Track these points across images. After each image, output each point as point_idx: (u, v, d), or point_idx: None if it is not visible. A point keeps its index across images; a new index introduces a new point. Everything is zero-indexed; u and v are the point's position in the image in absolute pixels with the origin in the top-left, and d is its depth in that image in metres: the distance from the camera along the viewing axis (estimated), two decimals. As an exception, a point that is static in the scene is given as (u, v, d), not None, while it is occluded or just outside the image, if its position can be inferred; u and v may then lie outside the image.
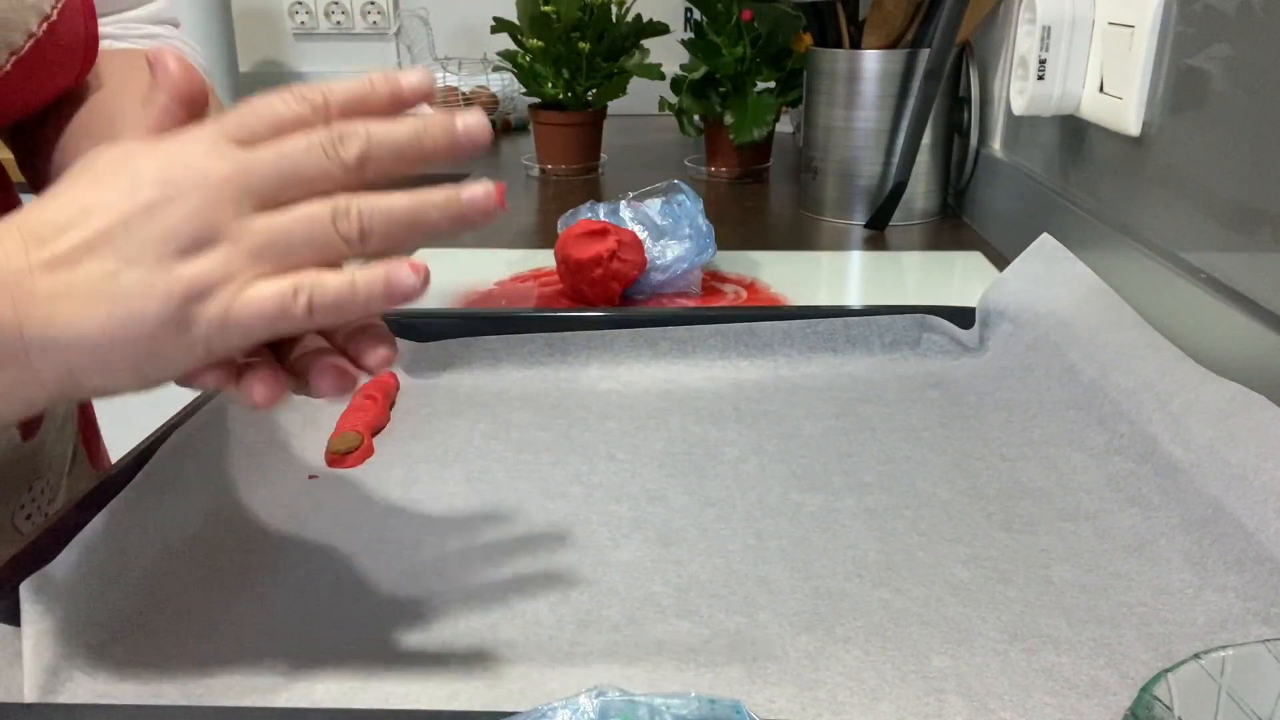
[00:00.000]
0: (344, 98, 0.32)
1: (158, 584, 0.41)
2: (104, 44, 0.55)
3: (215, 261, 0.31)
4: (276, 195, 0.31)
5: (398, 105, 0.33)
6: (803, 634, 0.39)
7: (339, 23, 1.89)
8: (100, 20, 0.55)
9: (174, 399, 0.54)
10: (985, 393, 0.60)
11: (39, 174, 0.53)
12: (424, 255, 0.91)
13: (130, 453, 0.48)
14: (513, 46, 1.27)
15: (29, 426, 0.58)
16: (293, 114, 0.32)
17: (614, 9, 1.22)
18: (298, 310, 0.31)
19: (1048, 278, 0.63)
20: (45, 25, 0.47)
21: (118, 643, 0.38)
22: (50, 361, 0.31)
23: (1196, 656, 0.27)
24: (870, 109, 0.98)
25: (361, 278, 0.32)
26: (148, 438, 0.50)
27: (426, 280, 0.32)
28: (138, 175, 0.31)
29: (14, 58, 0.46)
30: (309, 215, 0.31)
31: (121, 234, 0.30)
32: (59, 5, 0.47)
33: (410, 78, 0.33)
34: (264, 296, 0.31)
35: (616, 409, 0.59)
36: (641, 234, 0.77)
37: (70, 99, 0.52)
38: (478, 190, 0.32)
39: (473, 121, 0.33)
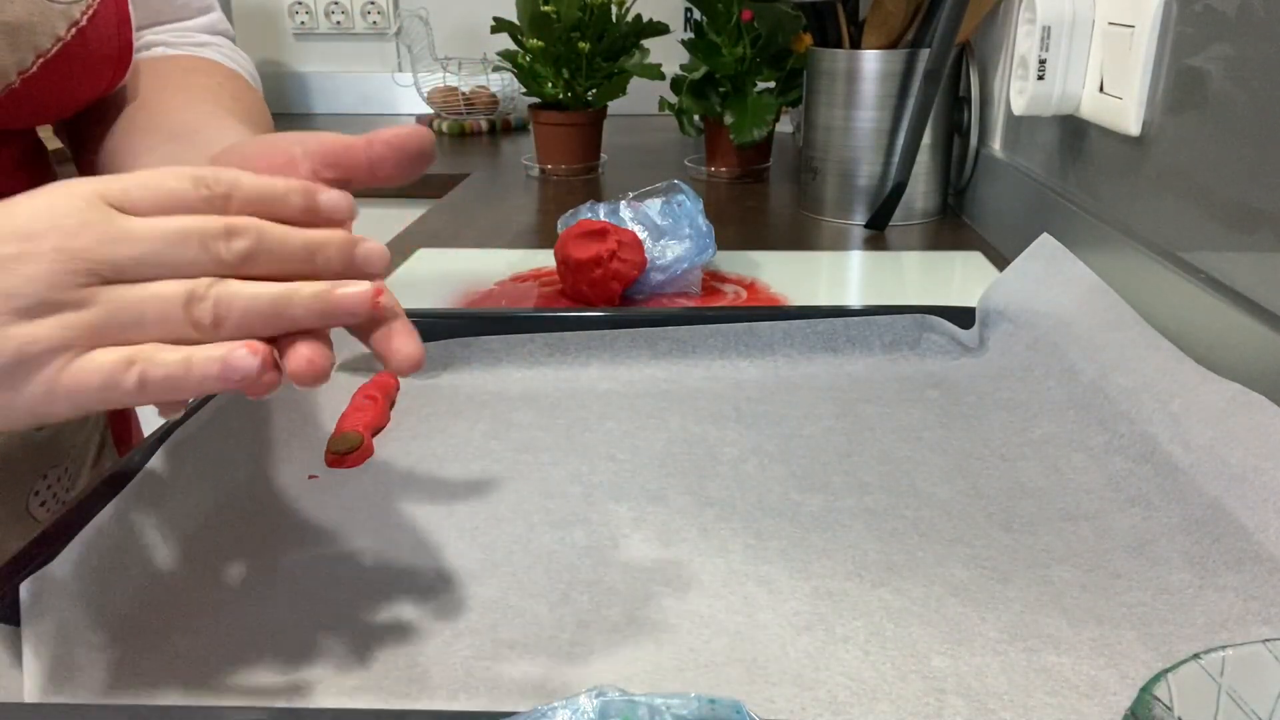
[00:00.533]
0: (251, 195, 0.31)
1: (158, 584, 0.41)
2: (158, 50, 0.59)
3: (52, 328, 0.29)
4: (137, 273, 0.30)
5: (309, 219, 0.32)
6: (803, 634, 0.39)
7: (339, 23, 1.89)
8: (156, 28, 0.60)
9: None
10: (985, 393, 0.60)
11: (88, 167, 0.56)
12: (426, 255, 0.91)
13: (131, 453, 0.48)
14: (513, 46, 1.27)
15: None
16: (189, 197, 0.30)
17: (614, 9, 1.22)
18: (127, 385, 0.29)
19: (1048, 278, 0.63)
20: (74, 30, 0.49)
21: (118, 643, 0.38)
22: None
23: (1196, 656, 0.27)
24: (870, 109, 0.98)
25: (198, 357, 0.30)
26: (148, 437, 0.50)
27: (267, 365, 0.31)
28: (6, 223, 0.29)
29: (40, 60, 0.48)
30: (161, 296, 0.30)
31: None
32: (90, 13, 0.49)
33: (330, 196, 0.32)
34: (92, 369, 0.29)
35: (616, 409, 0.59)
36: (641, 234, 0.77)
37: (117, 99, 0.55)
38: (351, 290, 0.31)
39: (373, 250, 0.32)
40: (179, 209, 0.30)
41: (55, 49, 0.48)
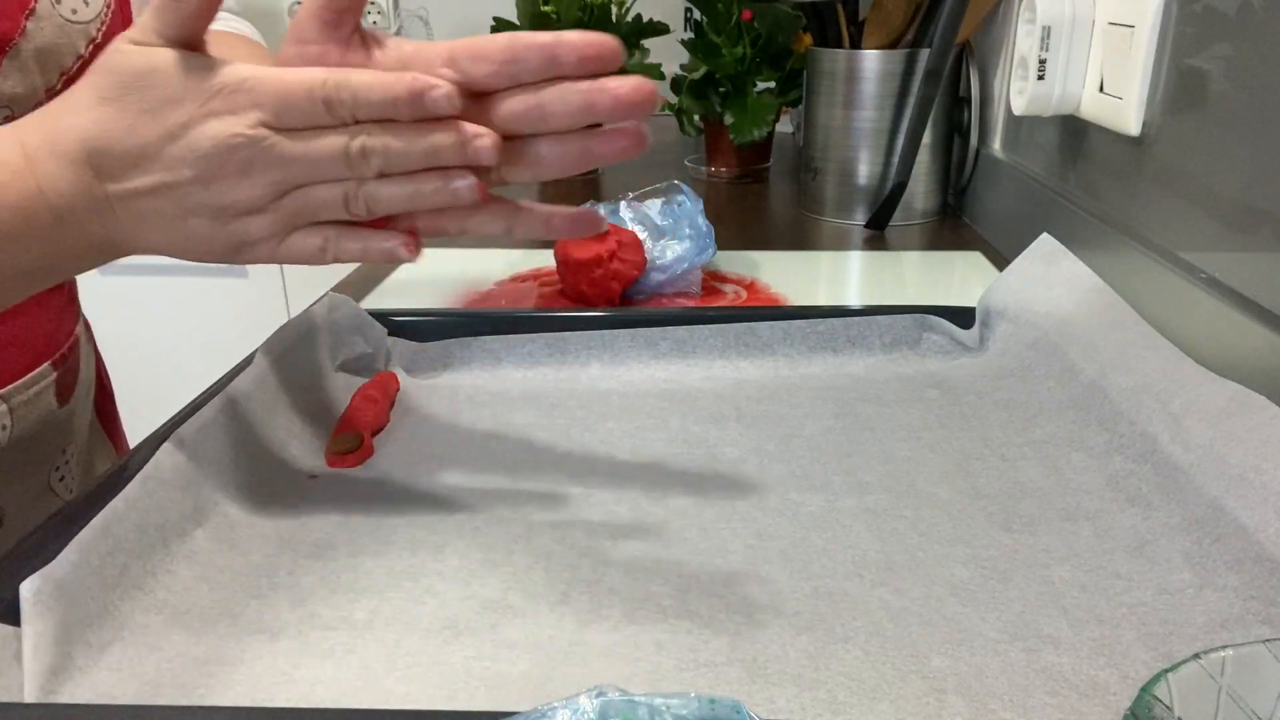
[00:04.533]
0: (371, 109, 0.37)
1: (157, 584, 0.41)
2: None
3: (262, 224, 0.39)
4: (303, 182, 0.39)
5: (422, 117, 0.38)
6: (803, 634, 0.39)
7: (339, 23, 1.89)
8: None
9: (198, 376, 0.56)
10: (985, 393, 0.60)
11: None
12: (427, 255, 0.91)
13: (131, 453, 0.48)
14: (513, 46, 1.27)
15: (64, 393, 0.62)
16: (324, 119, 0.37)
17: (614, 9, 1.22)
18: (326, 260, 0.41)
19: (1048, 278, 0.63)
20: (91, 47, 0.53)
21: (118, 643, 0.38)
22: (144, 252, 0.41)
23: (1196, 656, 0.27)
24: (870, 109, 0.98)
25: (372, 248, 0.41)
26: (149, 437, 0.50)
27: (418, 252, 0.41)
28: (187, 147, 0.37)
29: (64, 77, 0.52)
30: (328, 200, 0.39)
31: (181, 193, 0.38)
32: (103, 29, 0.53)
33: (435, 99, 0.37)
34: (298, 250, 0.41)
35: (616, 409, 0.59)
36: (641, 234, 0.77)
37: None
38: (461, 185, 0.39)
39: (481, 148, 0.38)
40: (319, 125, 0.38)
41: (76, 66, 0.52)
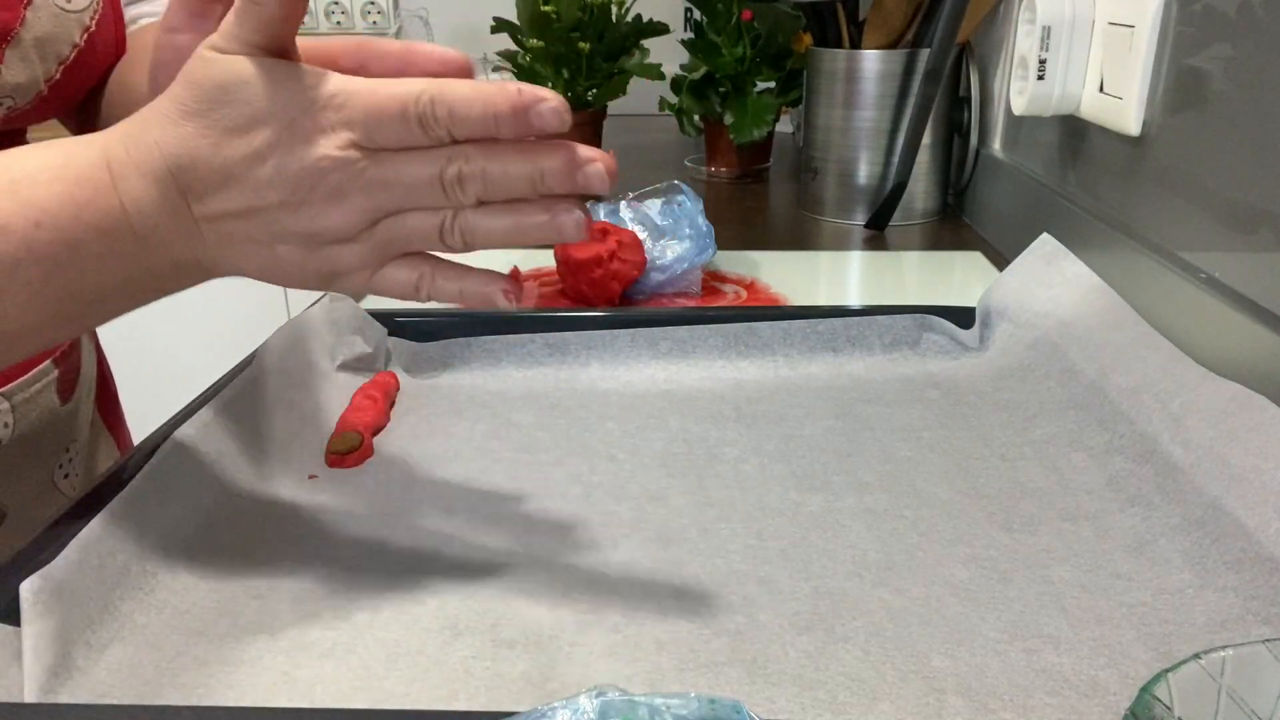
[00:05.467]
0: (470, 128, 0.35)
1: (158, 584, 0.41)
2: (144, 21, 0.63)
3: (353, 254, 0.37)
4: (398, 210, 0.37)
5: (526, 137, 0.36)
6: (803, 634, 0.39)
7: (339, 23, 1.89)
8: (140, 3, 0.63)
9: (199, 375, 0.56)
10: (985, 393, 0.60)
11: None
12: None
13: (130, 453, 0.48)
14: (513, 46, 1.27)
15: (66, 391, 0.63)
16: (419, 139, 0.35)
17: (614, 9, 1.22)
18: (420, 298, 0.39)
19: (1048, 278, 0.63)
20: (86, 36, 0.54)
21: (118, 643, 0.38)
22: (232, 274, 0.39)
23: (1196, 656, 0.27)
24: (870, 109, 0.98)
25: (469, 291, 0.39)
26: (148, 437, 0.50)
27: (520, 299, 0.39)
28: (275, 170, 0.35)
29: (62, 66, 0.53)
30: (421, 231, 0.37)
31: (269, 218, 0.36)
32: (96, 17, 0.55)
33: (541, 114, 0.34)
34: (391, 283, 0.39)
35: (616, 409, 0.59)
36: (641, 234, 0.77)
37: (113, 77, 0.60)
38: (568, 220, 0.37)
39: (593, 174, 0.36)
40: (411, 145, 0.35)
41: (73, 55, 0.53)
